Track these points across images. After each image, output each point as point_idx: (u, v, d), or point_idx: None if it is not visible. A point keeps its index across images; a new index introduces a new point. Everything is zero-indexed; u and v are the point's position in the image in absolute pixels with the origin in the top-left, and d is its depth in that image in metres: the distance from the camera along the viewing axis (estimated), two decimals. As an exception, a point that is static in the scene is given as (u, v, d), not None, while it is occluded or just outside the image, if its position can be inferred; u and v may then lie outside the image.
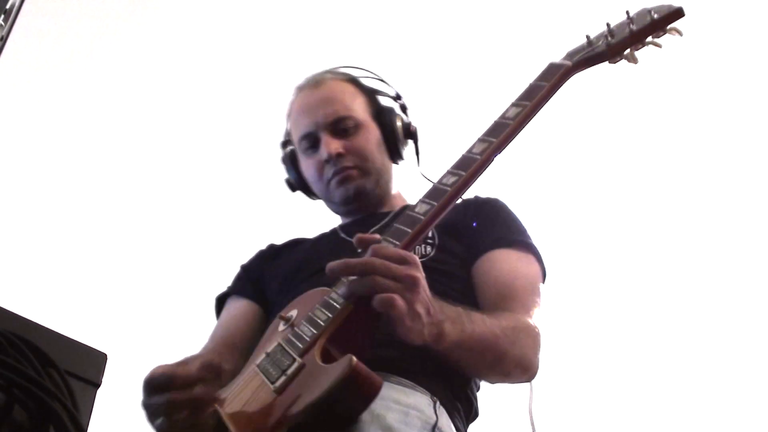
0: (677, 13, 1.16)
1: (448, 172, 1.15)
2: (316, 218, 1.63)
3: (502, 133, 1.13)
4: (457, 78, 2.91)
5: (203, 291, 1.57)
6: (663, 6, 1.18)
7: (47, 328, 1.25)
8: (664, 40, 1.16)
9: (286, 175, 1.60)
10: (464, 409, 1.26)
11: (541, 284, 1.36)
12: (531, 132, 1.18)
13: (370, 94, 1.55)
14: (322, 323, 1.04)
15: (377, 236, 1.09)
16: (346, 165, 1.45)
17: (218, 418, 1.03)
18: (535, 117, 1.14)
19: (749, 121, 2.82)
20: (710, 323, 2.67)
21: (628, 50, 1.16)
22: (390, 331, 1.01)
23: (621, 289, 2.72)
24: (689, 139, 2.84)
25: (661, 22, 1.16)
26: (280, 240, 1.60)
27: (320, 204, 1.61)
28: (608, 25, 1.17)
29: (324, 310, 1.05)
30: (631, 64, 1.15)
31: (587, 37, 1.18)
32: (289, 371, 1.01)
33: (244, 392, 1.08)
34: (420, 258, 1.31)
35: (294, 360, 1.02)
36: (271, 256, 1.56)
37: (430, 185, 1.31)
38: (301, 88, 1.56)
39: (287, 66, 2.87)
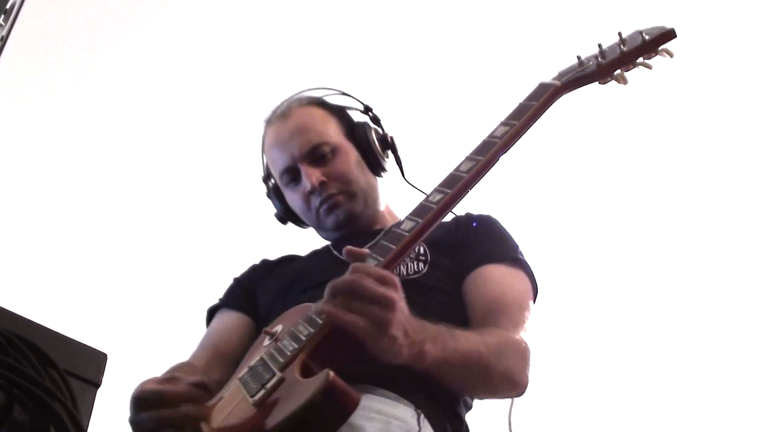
0: (669, 35, 1.19)
1: (435, 190, 1.17)
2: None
3: (488, 152, 1.15)
4: (450, 91, 2.92)
5: (203, 291, 1.58)
6: (655, 27, 1.21)
7: (47, 328, 1.26)
8: (655, 61, 1.18)
9: (274, 210, 1.60)
10: (452, 427, 1.25)
11: (532, 301, 1.35)
12: (528, 146, 1.20)
13: (340, 114, 1.54)
14: (303, 338, 1.05)
15: (366, 251, 1.10)
16: (331, 192, 1.45)
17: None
18: (523, 136, 1.16)
19: (741, 132, 2.85)
20: (709, 326, 2.68)
21: (618, 71, 1.18)
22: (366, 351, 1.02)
23: (613, 300, 2.74)
24: (682, 152, 2.86)
25: (652, 44, 1.18)
26: (273, 253, 1.61)
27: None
28: (600, 46, 1.20)
29: (306, 326, 1.06)
30: (621, 85, 1.18)
31: (578, 57, 1.21)
32: (269, 385, 1.02)
33: (227, 406, 1.09)
34: (413, 275, 1.34)
35: (274, 374, 1.03)
36: (264, 271, 1.56)
37: (418, 193, 1.33)
38: (269, 122, 1.55)
39: (285, 70, 2.89)
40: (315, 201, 1.46)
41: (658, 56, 1.18)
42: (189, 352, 1.40)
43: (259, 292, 1.49)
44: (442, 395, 1.23)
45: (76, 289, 2.52)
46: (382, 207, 1.55)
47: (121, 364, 1.33)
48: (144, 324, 2.50)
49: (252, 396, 1.03)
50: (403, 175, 1.54)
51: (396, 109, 2.00)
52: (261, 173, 1.64)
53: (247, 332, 1.43)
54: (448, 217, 1.43)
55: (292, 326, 1.10)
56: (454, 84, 2.91)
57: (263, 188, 1.65)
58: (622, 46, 1.18)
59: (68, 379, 1.18)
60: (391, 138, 1.55)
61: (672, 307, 2.74)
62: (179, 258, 2.71)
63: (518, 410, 1.28)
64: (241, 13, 3.06)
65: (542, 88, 1.20)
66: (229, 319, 1.47)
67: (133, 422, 1.07)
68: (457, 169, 1.17)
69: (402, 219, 1.29)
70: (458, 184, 1.14)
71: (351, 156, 1.49)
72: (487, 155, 1.15)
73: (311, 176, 1.44)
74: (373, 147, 1.50)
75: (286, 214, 1.57)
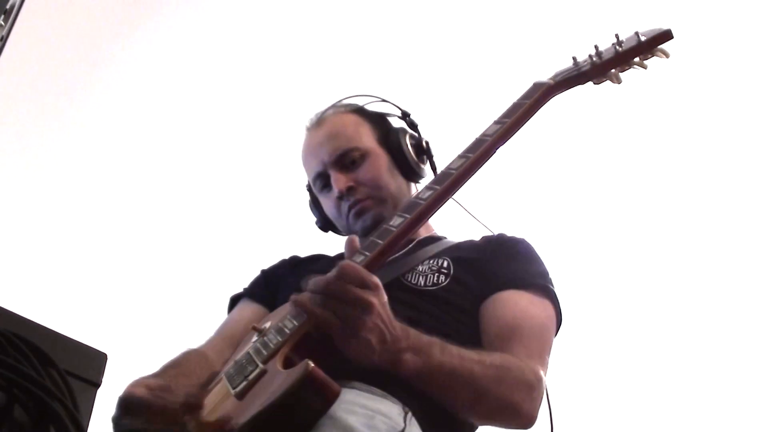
0: (666, 35, 1.18)
1: (426, 187, 1.17)
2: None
3: (479, 149, 1.15)
4: (461, 95, 2.91)
5: (203, 291, 1.59)
6: (652, 28, 1.20)
7: (47, 328, 1.27)
8: (651, 62, 1.18)
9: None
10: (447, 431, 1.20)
11: (554, 333, 1.29)
12: (527, 147, 1.20)
13: (376, 120, 1.53)
14: (287, 331, 1.06)
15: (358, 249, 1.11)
16: (359, 198, 1.43)
17: (184, 426, 1.04)
18: (516, 133, 1.16)
19: (738, 132, 2.84)
20: (710, 327, 2.68)
21: (613, 71, 1.18)
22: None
23: (610, 301, 2.73)
24: (683, 151, 2.86)
25: (648, 44, 1.18)
26: (272, 254, 1.60)
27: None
28: (596, 47, 1.20)
29: (292, 320, 1.07)
30: (615, 85, 1.18)
31: (574, 58, 1.21)
32: (251, 376, 1.03)
33: (211, 399, 1.10)
34: (430, 286, 1.31)
35: (256, 366, 1.04)
36: (291, 267, 1.55)
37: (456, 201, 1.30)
38: (307, 129, 1.55)
39: (293, 68, 2.89)
40: (344, 207, 1.45)
41: (654, 57, 1.18)
42: (191, 345, 1.39)
43: (282, 287, 1.48)
44: (434, 400, 1.18)
45: (76, 289, 2.52)
46: None
47: (121, 364, 1.33)
48: (144, 324, 2.49)
49: (234, 388, 1.04)
50: None
51: (442, 116, 1.98)
52: (280, 178, 1.64)
53: None
54: (480, 236, 1.43)
55: (279, 321, 1.11)
56: (494, 92, 2.89)
57: (262, 189, 1.63)
58: (618, 47, 1.18)
59: (68, 379, 1.19)
60: (427, 143, 1.53)
61: (672, 306, 2.73)
62: (179, 258, 2.71)
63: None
64: (245, 16, 3.06)
65: (535, 87, 1.20)
66: (249, 310, 1.46)
67: (115, 423, 1.07)
68: (448, 167, 1.17)
69: (434, 232, 1.26)
70: (447, 180, 1.15)
71: (381, 161, 1.47)
72: (477, 152, 1.15)
73: (339, 182, 1.44)
74: (405, 152, 1.48)
75: (324, 222, 1.57)
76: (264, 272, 1.56)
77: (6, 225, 2.53)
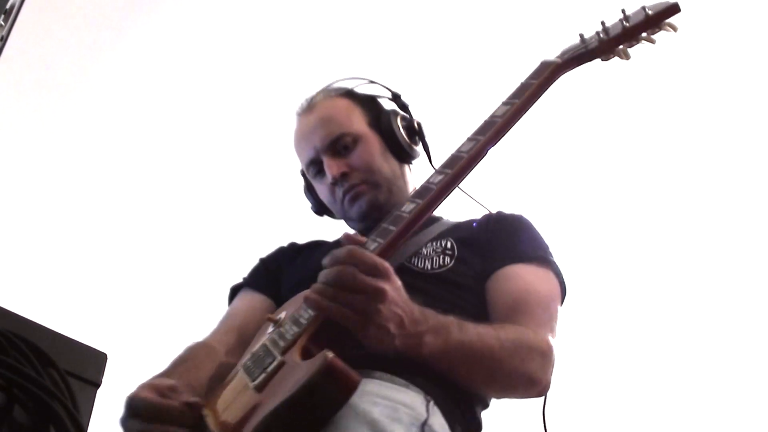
0: (673, 9, 1.16)
1: (437, 171, 1.15)
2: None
3: (489, 131, 1.13)
4: (461, 75, 2.89)
5: (203, 291, 1.57)
6: (659, 2, 1.18)
7: (47, 328, 1.26)
8: (659, 36, 1.15)
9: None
10: (465, 417, 1.21)
11: (559, 302, 1.31)
12: (530, 130, 1.18)
13: (366, 103, 1.51)
14: (304, 322, 1.05)
15: (363, 238, 1.09)
16: (353, 182, 1.42)
17: (204, 424, 1.03)
18: (525, 114, 1.15)
19: (747, 118, 2.81)
20: (710, 325, 2.65)
21: (621, 47, 1.16)
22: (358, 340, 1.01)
23: (617, 291, 2.71)
24: (687, 136, 2.83)
25: (655, 18, 1.15)
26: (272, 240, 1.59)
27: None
28: (603, 23, 1.17)
29: (308, 310, 1.06)
30: (624, 61, 1.15)
31: (581, 35, 1.19)
32: (269, 368, 1.01)
33: (228, 392, 1.09)
34: (437, 269, 1.30)
35: (275, 358, 1.03)
36: (291, 254, 1.54)
37: None
38: (298, 115, 1.54)
39: (291, 63, 2.88)
40: (339, 192, 1.44)
41: (662, 31, 1.15)
42: (194, 338, 1.37)
43: (283, 275, 1.48)
44: (454, 384, 1.18)
45: (76, 289, 2.52)
46: (410, 195, 1.52)
47: (121, 364, 1.32)
48: (144, 324, 2.49)
49: (253, 380, 1.03)
50: (430, 162, 1.50)
51: (429, 97, 1.97)
52: (279, 169, 1.63)
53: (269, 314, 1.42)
54: (480, 215, 1.42)
55: (294, 311, 1.09)
56: (486, 71, 2.87)
57: (261, 187, 1.62)
58: (625, 22, 1.15)
59: (68, 379, 1.18)
60: (419, 124, 1.51)
61: (673, 304, 2.71)
62: (179, 258, 2.71)
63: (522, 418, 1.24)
64: (242, 14, 3.05)
65: (543, 66, 1.18)
66: (253, 300, 1.45)
67: (123, 425, 1.06)
68: (458, 150, 1.15)
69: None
70: (459, 164, 1.13)
71: (374, 145, 1.45)
72: (487, 134, 1.13)
73: (332, 168, 1.42)
74: (397, 134, 1.47)
75: (319, 208, 1.56)
76: (263, 261, 1.54)
77: (6, 225, 2.53)
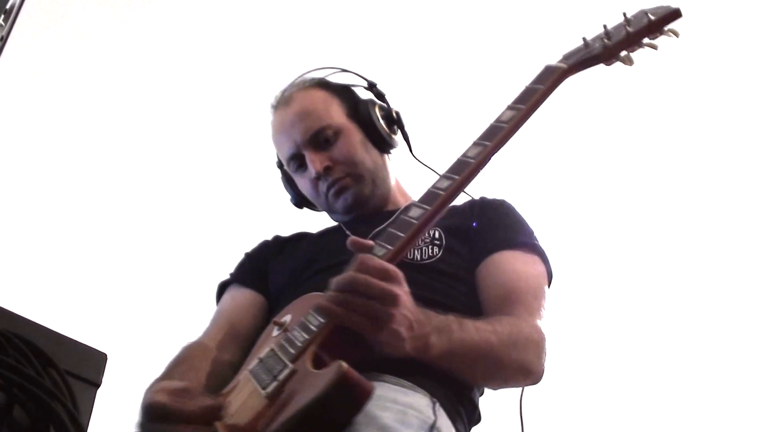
0: (674, 14, 1.16)
1: (443, 176, 1.15)
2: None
3: (496, 137, 1.13)
4: (458, 76, 2.90)
5: (203, 291, 1.57)
6: (660, 7, 1.18)
7: (47, 328, 1.26)
8: (661, 41, 1.16)
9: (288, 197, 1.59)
10: (467, 413, 1.23)
11: (547, 286, 1.32)
12: (531, 133, 1.18)
13: (343, 93, 1.50)
14: (314, 328, 1.03)
15: (370, 243, 1.08)
16: (337, 176, 1.42)
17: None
18: (530, 119, 1.15)
19: (747, 121, 2.81)
20: (710, 323, 2.66)
21: (624, 52, 1.16)
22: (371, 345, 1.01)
23: (616, 290, 2.72)
24: (688, 139, 2.84)
25: (657, 24, 1.15)
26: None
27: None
28: (605, 27, 1.17)
29: (316, 316, 1.05)
30: (627, 66, 1.16)
31: (584, 39, 1.18)
32: (281, 377, 1.00)
33: (237, 399, 1.08)
34: (427, 260, 1.31)
35: (285, 366, 1.02)
36: (276, 248, 1.53)
37: (427, 170, 1.34)
38: (274, 108, 1.52)
39: (285, 59, 2.87)
40: (322, 186, 1.44)
41: (663, 36, 1.16)
42: (190, 337, 1.37)
43: (270, 270, 1.47)
44: (457, 383, 1.21)
45: (76, 289, 2.51)
46: (392, 185, 1.51)
47: (121, 364, 1.32)
48: (144, 324, 2.48)
49: (264, 388, 1.01)
50: (411, 152, 1.51)
51: (405, 85, 1.97)
52: (264, 163, 1.62)
53: (261, 311, 1.40)
54: (463, 201, 1.42)
55: (302, 316, 1.08)
56: (462, 60, 2.87)
57: (260, 193, 1.62)
58: (627, 27, 1.15)
59: (68, 379, 1.18)
60: (397, 113, 1.51)
61: (670, 300, 2.71)
62: (179, 258, 2.70)
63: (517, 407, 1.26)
64: (239, 12, 3.05)
65: (548, 71, 1.18)
66: (242, 296, 1.44)
67: (141, 429, 1.05)
68: (464, 155, 1.15)
69: (412, 200, 1.26)
70: (466, 169, 1.12)
71: (355, 137, 1.45)
72: (494, 140, 1.13)
73: (315, 163, 1.42)
74: (376, 124, 1.46)
75: (299, 200, 1.56)
76: (248, 255, 1.53)
77: (6, 225, 2.53)
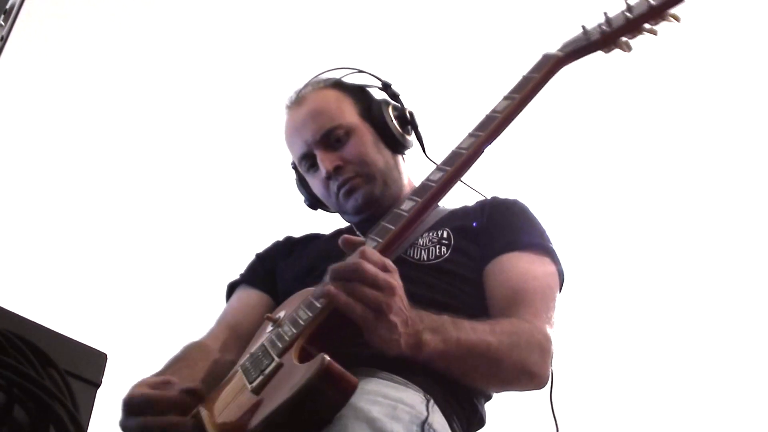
0: None
1: (436, 168, 1.15)
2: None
3: (489, 127, 1.12)
4: (473, 77, 2.88)
5: (203, 291, 1.57)
6: None
7: (47, 328, 1.25)
8: (661, 27, 1.14)
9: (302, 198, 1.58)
10: (466, 415, 1.21)
11: (557, 290, 1.30)
12: (531, 131, 1.17)
13: (357, 93, 1.50)
14: (302, 323, 1.04)
15: (361, 239, 1.08)
16: (348, 176, 1.41)
17: (198, 419, 1.04)
18: (526, 108, 1.14)
19: (748, 112, 2.79)
20: (710, 323, 2.64)
21: (623, 38, 1.15)
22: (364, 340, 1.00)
23: (617, 289, 2.70)
24: (689, 132, 2.82)
25: (659, 9, 1.14)
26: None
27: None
28: (605, 14, 1.16)
29: (306, 310, 1.05)
30: (625, 53, 1.14)
31: (583, 27, 1.18)
32: (267, 371, 1.01)
33: (227, 393, 1.08)
34: (434, 259, 1.30)
35: (272, 360, 1.02)
36: (286, 249, 1.53)
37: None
38: (288, 108, 1.52)
39: (289, 60, 2.87)
40: (333, 186, 1.43)
41: (664, 22, 1.14)
42: (192, 337, 1.37)
43: (279, 271, 1.47)
44: (456, 383, 1.19)
45: (76, 289, 2.52)
46: (404, 186, 1.49)
47: (121, 364, 1.31)
48: (144, 324, 2.49)
49: (251, 382, 1.02)
50: (424, 152, 1.49)
51: (420, 86, 1.96)
52: (277, 164, 1.62)
53: (267, 310, 1.38)
54: (474, 201, 1.41)
55: (293, 311, 1.08)
56: (478, 61, 2.86)
57: (258, 185, 1.61)
58: (628, 13, 1.14)
59: (68, 379, 1.17)
60: (411, 114, 1.50)
61: (672, 298, 2.70)
62: (179, 258, 2.71)
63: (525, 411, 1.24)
64: (240, 13, 3.05)
65: (544, 59, 1.17)
66: (249, 297, 1.44)
67: (122, 426, 1.07)
68: (458, 147, 1.15)
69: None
70: (458, 161, 1.12)
71: (367, 136, 1.44)
72: (487, 130, 1.12)
73: (325, 162, 1.41)
74: (389, 125, 1.45)
75: (312, 201, 1.55)
76: (259, 256, 1.54)
77: (6, 225, 2.53)
